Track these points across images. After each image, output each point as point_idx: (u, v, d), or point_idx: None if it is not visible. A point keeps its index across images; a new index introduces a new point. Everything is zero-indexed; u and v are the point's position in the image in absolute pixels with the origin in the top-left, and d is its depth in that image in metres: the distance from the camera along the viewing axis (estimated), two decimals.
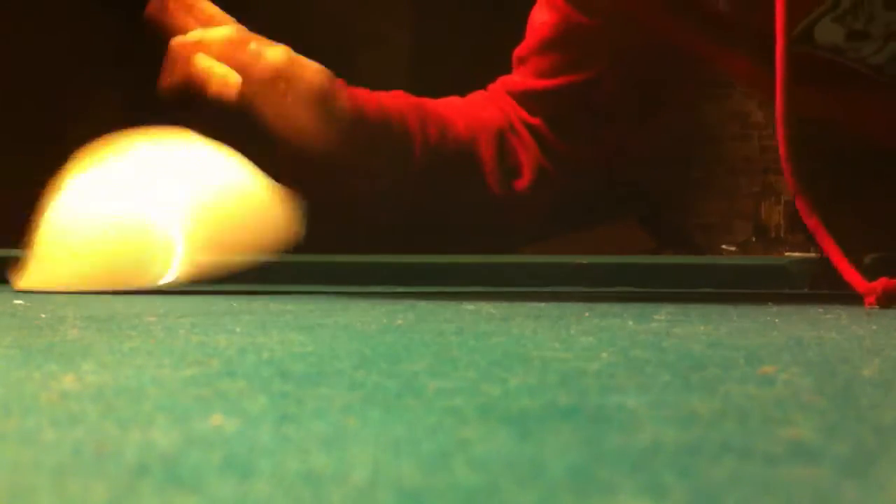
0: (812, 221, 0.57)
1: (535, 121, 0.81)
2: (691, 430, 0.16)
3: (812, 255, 0.95)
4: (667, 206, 3.76)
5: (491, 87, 0.84)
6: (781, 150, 0.57)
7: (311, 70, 0.60)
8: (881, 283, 0.54)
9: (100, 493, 0.12)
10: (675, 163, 4.04)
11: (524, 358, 0.26)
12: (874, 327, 0.40)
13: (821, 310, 0.53)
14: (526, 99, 0.82)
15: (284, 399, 0.19)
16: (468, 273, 1.02)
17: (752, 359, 0.27)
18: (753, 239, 3.65)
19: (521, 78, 0.83)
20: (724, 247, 3.38)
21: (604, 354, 0.27)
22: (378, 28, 3.78)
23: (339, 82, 0.65)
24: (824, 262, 0.84)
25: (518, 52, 0.83)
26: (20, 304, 0.51)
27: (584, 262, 0.97)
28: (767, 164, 3.89)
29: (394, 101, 0.72)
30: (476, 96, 0.83)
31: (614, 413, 0.17)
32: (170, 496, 0.11)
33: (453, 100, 0.81)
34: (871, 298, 0.53)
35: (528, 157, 0.81)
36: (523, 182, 0.80)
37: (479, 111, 0.80)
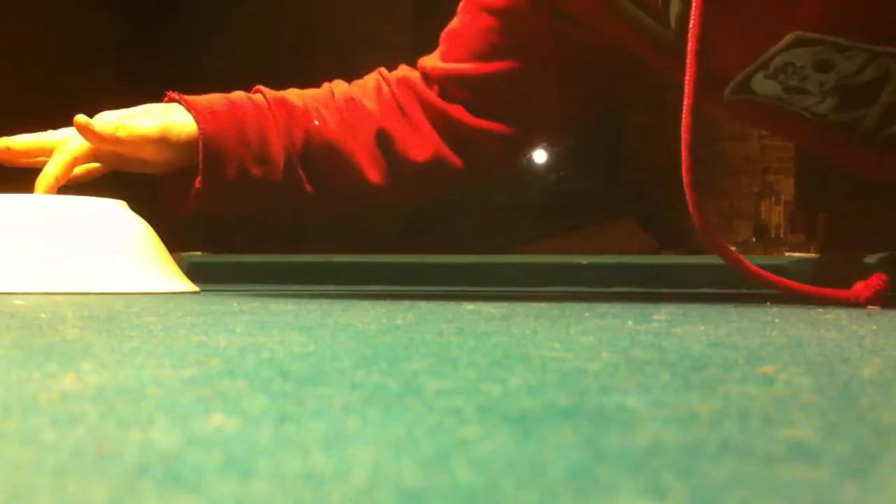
0: (713, 239, 0.60)
1: (453, 107, 0.81)
2: (691, 430, 0.16)
3: (812, 255, 0.95)
4: (667, 207, 3.76)
5: (395, 73, 0.84)
6: (685, 177, 0.59)
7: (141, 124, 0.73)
8: (861, 286, 0.55)
9: (100, 493, 0.12)
10: (675, 163, 4.03)
11: (524, 358, 0.26)
12: (874, 327, 0.40)
13: (821, 310, 0.53)
14: (449, 82, 0.82)
15: (284, 399, 0.19)
16: (468, 273, 1.02)
17: (752, 359, 0.27)
18: (753, 239, 3.65)
19: (448, 60, 0.82)
20: None
21: (604, 354, 0.27)
22: (379, 29, 3.78)
23: (194, 105, 0.74)
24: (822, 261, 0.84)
25: (452, 30, 0.82)
26: (20, 304, 0.51)
27: (584, 262, 0.97)
28: (767, 164, 3.89)
29: (256, 112, 0.76)
30: (367, 82, 0.83)
31: (614, 413, 0.17)
32: (170, 496, 0.11)
33: (337, 87, 0.82)
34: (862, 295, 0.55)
35: (420, 143, 0.81)
36: (409, 168, 0.81)
37: (360, 102, 0.80)
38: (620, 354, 0.27)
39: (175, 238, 0.86)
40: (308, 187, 0.78)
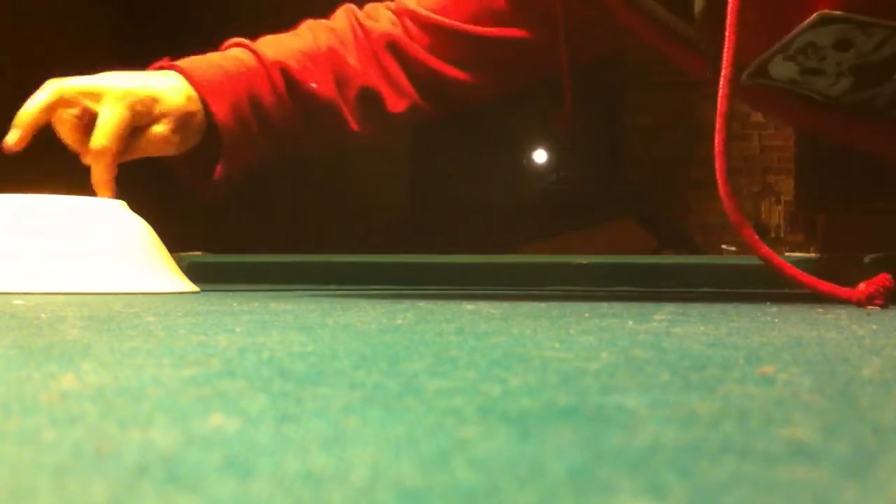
0: (757, 247, 0.60)
1: (441, 65, 0.83)
2: (691, 430, 0.16)
3: (812, 255, 0.95)
4: (667, 207, 3.76)
5: (373, 26, 0.86)
6: (720, 184, 0.60)
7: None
8: (865, 285, 0.55)
9: (100, 493, 0.12)
10: (674, 163, 4.04)
11: (524, 358, 0.26)
12: (874, 327, 0.40)
13: (820, 310, 0.53)
14: (445, 37, 0.83)
15: (284, 399, 0.19)
16: (468, 273, 1.02)
17: (752, 359, 0.27)
18: None
19: (448, 15, 0.84)
20: (724, 247, 3.38)
21: (604, 354, 0.27)
22: None
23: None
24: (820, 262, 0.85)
25: None
26: (20, 304, 0.51)
27: (584, 262, 0.97)
28: (767, 164, 3.89)
29: (257, 82, 0.81)
30: (343, 31, 0.86)
31: (614, 413, 0.17)
32: (170, 496, 0.11)
33: (318, 35, 0.85)
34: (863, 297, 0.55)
35: (398, 98, 0.86)
36: (387, 118, 0.87)
37: (344, 57, 0.85)
38: (620, 354, 0.27)
39: (175, 238, 0.87)
40: (303, 137, 0.86)
